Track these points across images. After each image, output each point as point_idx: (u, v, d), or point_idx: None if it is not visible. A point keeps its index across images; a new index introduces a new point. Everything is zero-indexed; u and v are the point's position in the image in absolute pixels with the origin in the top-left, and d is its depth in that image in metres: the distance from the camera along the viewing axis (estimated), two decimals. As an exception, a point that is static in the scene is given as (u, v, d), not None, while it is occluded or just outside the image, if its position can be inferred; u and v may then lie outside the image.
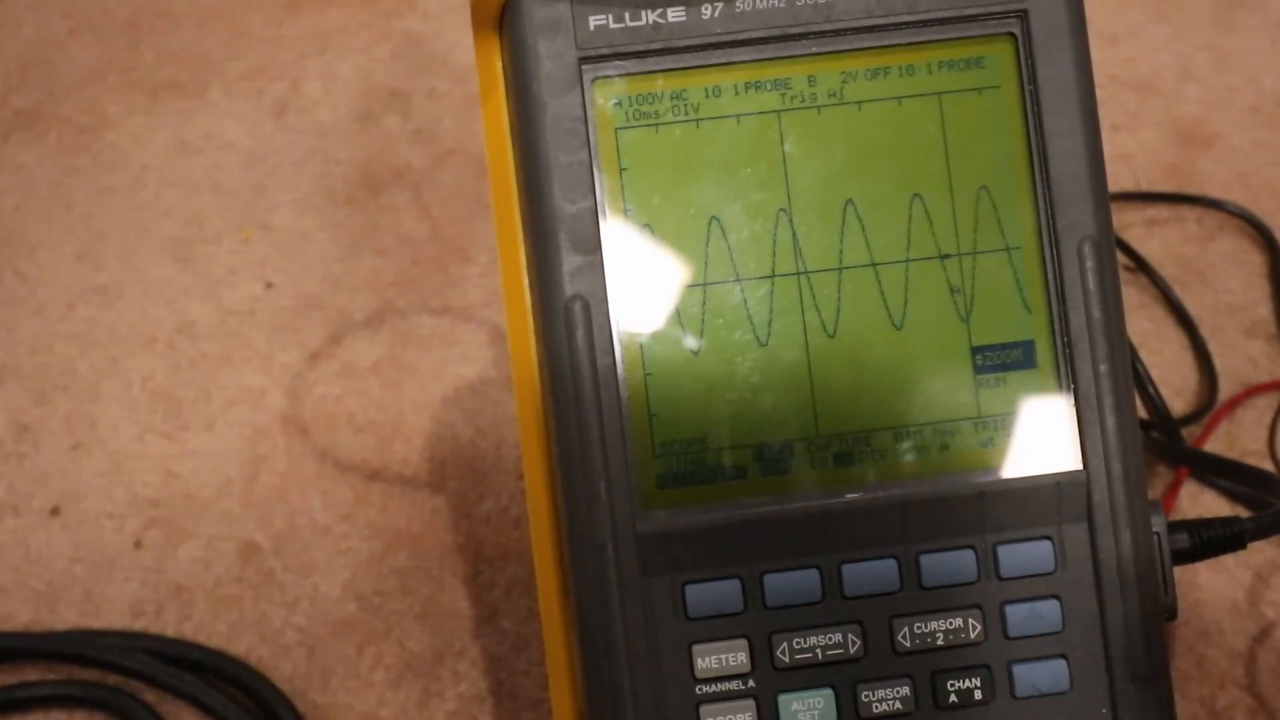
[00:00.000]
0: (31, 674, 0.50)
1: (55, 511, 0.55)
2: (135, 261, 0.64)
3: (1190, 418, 0.55)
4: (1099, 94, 0.38)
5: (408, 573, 0.52)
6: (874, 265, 0.38)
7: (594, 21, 0.37)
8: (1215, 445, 0.54)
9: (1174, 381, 0.57)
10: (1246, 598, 0.50)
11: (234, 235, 0.65)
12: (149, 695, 0.49)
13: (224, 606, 0.52)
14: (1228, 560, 0.50)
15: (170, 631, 0.51)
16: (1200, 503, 0.53)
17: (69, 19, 0.77)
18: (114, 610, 0.52)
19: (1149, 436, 0.52)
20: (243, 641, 0.51)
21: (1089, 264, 0.37)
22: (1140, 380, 0.51)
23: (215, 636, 0.51)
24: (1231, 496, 0.53)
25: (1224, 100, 0.68)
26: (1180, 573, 0.48)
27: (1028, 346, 0.38)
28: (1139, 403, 0.50)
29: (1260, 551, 0.50)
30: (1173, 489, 0.52)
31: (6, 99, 0.73)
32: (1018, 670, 0.37)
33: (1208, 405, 0.55)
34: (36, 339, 0.61)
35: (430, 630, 0.51)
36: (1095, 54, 0.38)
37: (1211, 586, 0.50)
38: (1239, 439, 0.55)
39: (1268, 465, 0.54)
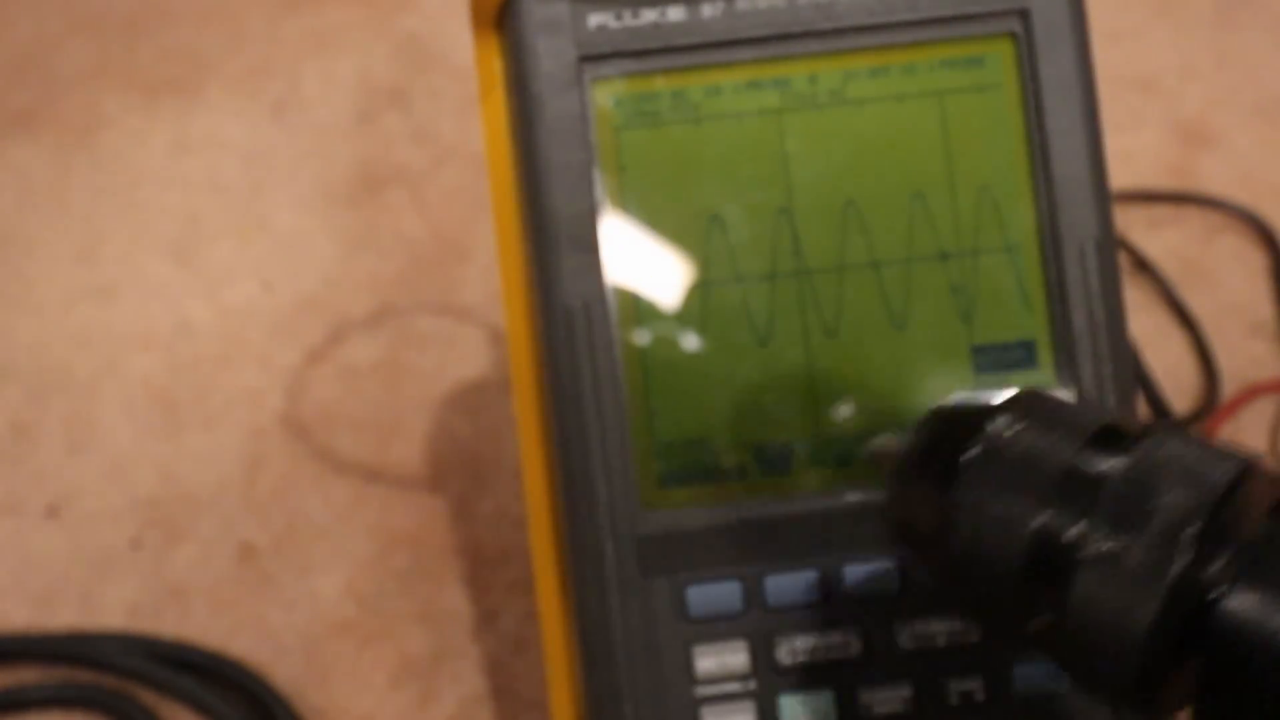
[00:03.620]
0: (29, 675, 0.50)
1: (53, 512, 0.55)
2: (133, 261, 0.64)
3: (1193, 418, 0.54)
4: (1101, 93, 0.38)
5: (407, 573, 0.52)
6: (875, 265, 0.38)
7: (594, 20, 0.37)
8: (1217, 446, 0.54)
9: (1176, 382, 0.57)
10: (1249, 599, 0.49)
11: (233, 235, 0.65)
12: (147, 697, 0.49)
13: (222, 608, 0.52)
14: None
15: (168, 633, 0.51)
16: (1202, 503, 0.52)
17: (66, 17, 0.76)
18: (111, 611, 0.52)
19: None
20: (241, 643, 0.50)
21: (1091, 264, 0.37)
22: (1142, 381, 0.50)
23: (213, 638, 0.51)
24: (1234, 497, 0.52)
25: (1226, 99, 0.68)
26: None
27: (1029, 346, 0.38)
28: (1141, 403, 0.49)
29: (1262, 552, 0.50)
30: (1174, 489, 0.52)
31: (3, 98, 0.72)
32: (1019, 670, 0.37)
33: (1210, 406, 0.55)
34: (34, 339, 0.61)
35: (429, 631, 0.50)
36: (1097, 53, 0.38)
37: (1213, 587, 0.50)
38: (1242, 440, 0.55)
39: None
